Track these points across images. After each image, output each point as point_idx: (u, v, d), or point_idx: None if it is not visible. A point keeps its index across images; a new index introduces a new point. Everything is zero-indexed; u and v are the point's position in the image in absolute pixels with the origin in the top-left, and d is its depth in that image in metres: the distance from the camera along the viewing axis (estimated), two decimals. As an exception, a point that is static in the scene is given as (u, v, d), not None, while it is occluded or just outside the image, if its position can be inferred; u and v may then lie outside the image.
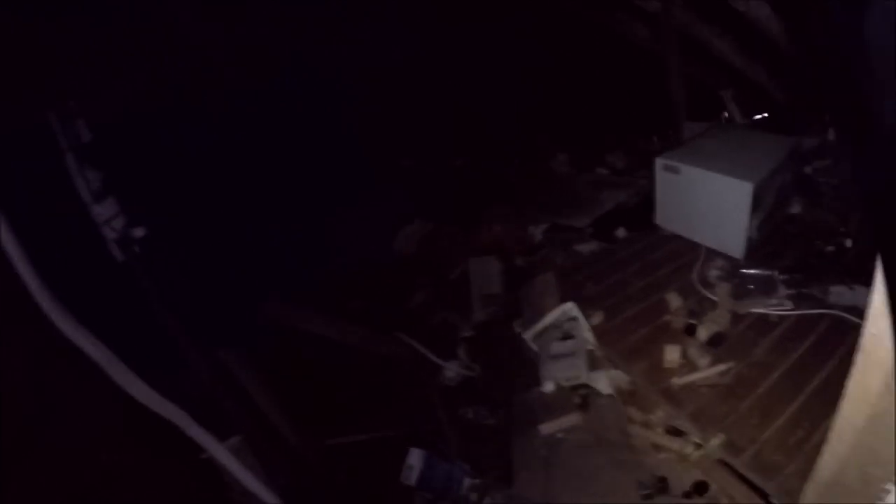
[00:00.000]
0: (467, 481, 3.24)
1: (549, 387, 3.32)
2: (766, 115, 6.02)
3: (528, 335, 3.75)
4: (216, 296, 3.50)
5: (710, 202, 4.25)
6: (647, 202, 5.13)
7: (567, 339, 3.52)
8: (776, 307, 3.72)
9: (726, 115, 6.09)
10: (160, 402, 2.36)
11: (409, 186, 6.42)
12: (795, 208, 4.91)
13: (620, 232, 5.04)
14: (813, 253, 4.29)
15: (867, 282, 3.56)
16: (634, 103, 6.73)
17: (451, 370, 4.09)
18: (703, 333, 3.54)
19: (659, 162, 4.49)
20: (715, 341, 3.51)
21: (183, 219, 3.37)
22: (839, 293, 3.71)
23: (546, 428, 3.13)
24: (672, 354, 3.39)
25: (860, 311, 3.05)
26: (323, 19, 5.33)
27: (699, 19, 5.42)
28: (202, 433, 2.54)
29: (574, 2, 6.13)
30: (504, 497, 2.90)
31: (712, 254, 4.39)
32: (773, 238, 4.47)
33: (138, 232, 2.68)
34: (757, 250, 4.30)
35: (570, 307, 3.68)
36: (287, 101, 5.21)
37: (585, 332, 3.62)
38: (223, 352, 3.19)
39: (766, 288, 3.93)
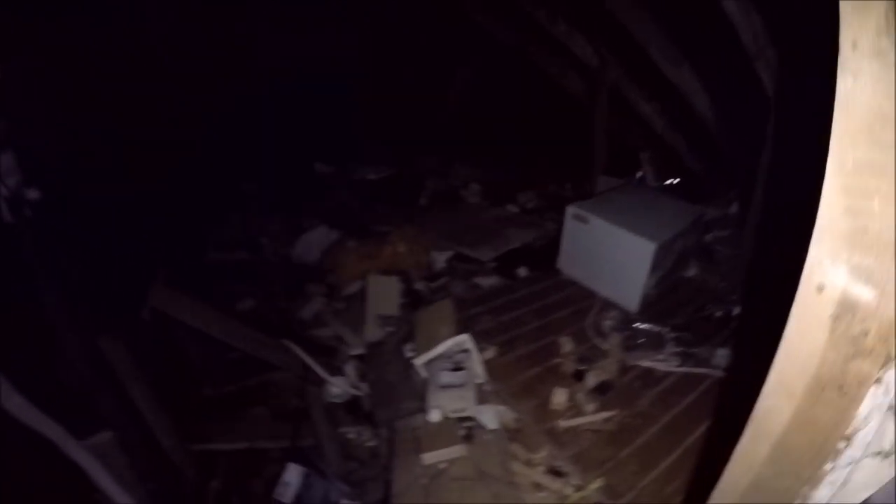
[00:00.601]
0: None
1: (435, 416, 3.23)
2: (678, 180, 6.21)
3: (419, 361, 3.67)
4: (102, 277, 3.30)
5: (612, 255, 4.37)
6: (551, 245, 5.19)
7: (458, 370, 3.45)
8: (663, 363, 3.87)
9: (640, 174, 6.26)
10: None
11: (320, 193, 6.35)
12: (692, 272, 5.09)
13: (522, 271, 5.09)
14: (703, 315, 4.45)
15: (749, 349, 3.68)
16: (555, 149, 6.87)
17: (337, 387, 3.97)
18: (591, 380, 3.61)
19: (570, 210, 4.55)
20: (602, 389, 3.58)
21: (78, 189, 3.19)
22: (724, 356, 3.89)
23: (429, 457, 3.05)
24: (560, 397, 3.41)
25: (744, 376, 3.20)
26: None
27: (632, 81, 5.63)
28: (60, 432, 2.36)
29: (518, 40, 6.17)
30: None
31: (608, 304, 4.49)
32: (667, 296, 4.61)
33: (32, 193, 2.49)
34: (651, 306, 4.43)
35: (464, 339, 3.63)
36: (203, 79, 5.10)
37: (477, 366, 3.57)
38: (103, 340, 2.98)
39: (655, 343, 4.05)
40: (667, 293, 4.65)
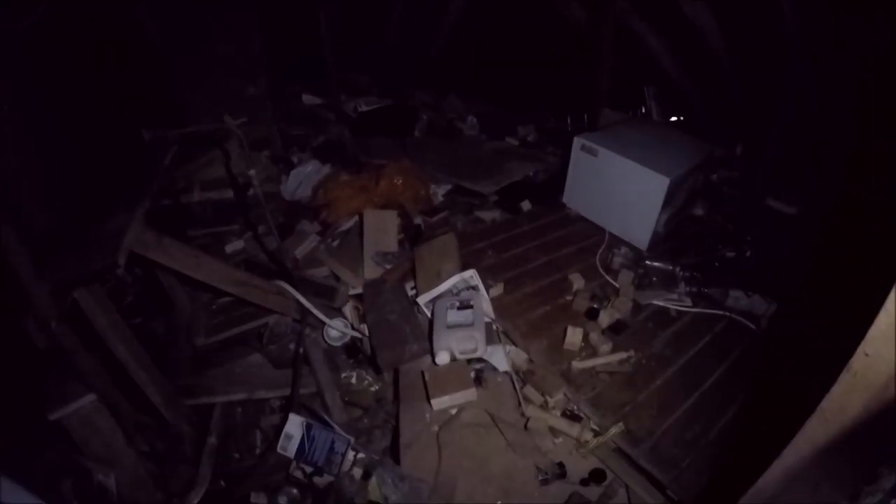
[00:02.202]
0: (351, 455, 2.95)
1: (443, 358, 3.03)
2: (681, 118, 6.07)
3: (423, 299, 3.48)
4: (70, 218, 3.06)
5: (623, 190, 4.21)
6: (554, 181, 5.11)
7: (465, 309, 3.25)
8: (676, 302, 3.75)
9: (644, 110, 6.07)
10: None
11: (314, 123, 6.14)
12: (699, 211, 4.96)
13: (525, 205, 4.84)
14: (714, 255, 4.31)
15: (763, 291, 3.51)
16: (556, 81, 6.62)
17: (336, 329, 3.77)
18: (604, 319, 3.45)
19: (578, 141, 4.34)
20: (616, 328, 3.45)
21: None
22: (736, 298, 3.76)
23: (438, 403, 2.88)
24: (574, 337, 3.25)
25: (755, 317, 3.60)
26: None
27: (640, 12, 5.38)
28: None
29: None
30: (392, 475, 2.62)
31: (617, 241, 4.35)
32: (676, 235, 4.47)
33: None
34: (660, 244, 4.30)
35: (470, 274, 3.43)
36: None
37: (485, 303, 3.40)
38: (79, 292, 2.74)
39: (667, 282, 3.92)
40: (675, 232, 4.50)
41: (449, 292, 3.45)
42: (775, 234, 4.58)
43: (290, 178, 5.22)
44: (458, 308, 3.27)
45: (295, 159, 5.54)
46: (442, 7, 7.06)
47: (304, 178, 5.21)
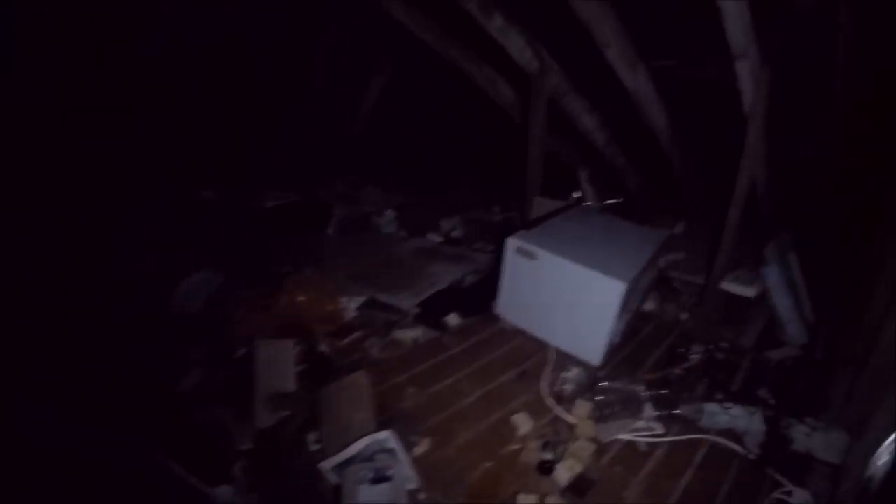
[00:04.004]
0: None
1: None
2: (619, 199, 5.91)
3: (327, 465, 2.72)
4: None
5: (569, 298, 3.67)
6: (485, 283, 4.59)
7: (381, 482, 2.52)
8: (645, 432, 3.15)
9: (578, 195, 5.83)
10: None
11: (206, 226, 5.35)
12: (649, 305, 4.56)
13: (453, 318, 4.20)
14: (675, 361, 3.82)
15: (743, 400, 3.25)
16: (483, 167, 6.21)
17: (223, 497, 2.94)
18: (562, 474, 2.79)
19: (511, 242, 3.79)
20: (579, 487, 2.76)
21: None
22: (713, 413, 3.23)
23: None
24: (527, 509, 2.53)
25: (737, 437, 3.12)
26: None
27: (573, 89, 5.05)
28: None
29: (442, 41, 5.31)
30: None
31: (564, 358, 3.77)
32: (629, 340, 4.05)
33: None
34: (614, 354, 3.84)
35: (385, 437, 2.71)
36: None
37: (406, 469, 2.66)
38: None
39: (630, 406, 3.30)
40: (629, 335, 4.07)
41: (360, 456, 2.69)
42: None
43: (179, 290, 4.43)
44: (372, 481, 2.54)
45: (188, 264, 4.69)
46: (359, 93, 6.67)
47: (195, 289, 4.44)
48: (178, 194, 5.74)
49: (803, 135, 4.29)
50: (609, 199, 5.85)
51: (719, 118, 4.36)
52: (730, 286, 4.62)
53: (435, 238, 5.75)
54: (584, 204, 5.66)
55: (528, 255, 3.69)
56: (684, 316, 4.57)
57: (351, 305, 4.34)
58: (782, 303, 4.25)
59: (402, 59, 6.39)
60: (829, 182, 4.46)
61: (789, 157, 4.55)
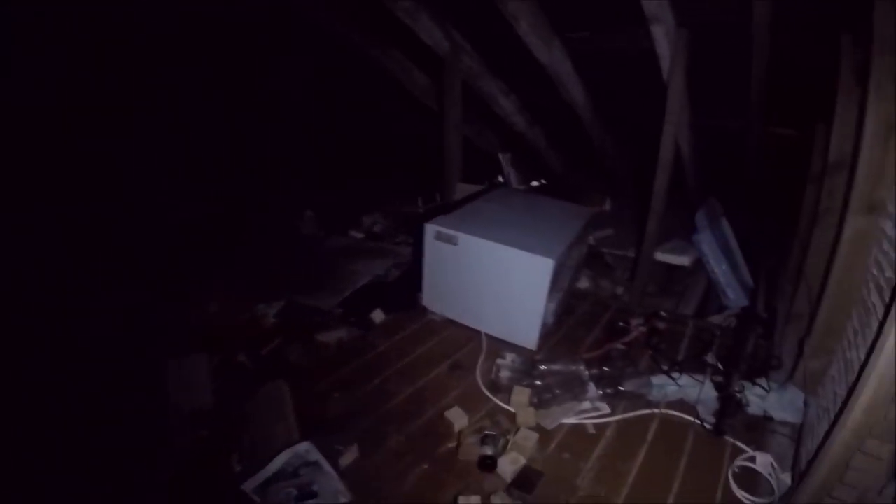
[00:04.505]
0: None
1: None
2: (543, 181, 5.87)
3: (250, 485, 2.43)
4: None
5: (496, 281, 3.49)
6: (409, 277, 4.34)
7: (306, 499, 2.28)
8: (591, 414, 2.98)
9: (501, 178, 5.74)
10: None
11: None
12: (583, 283, 4.46)
13: (377, 315, 3.94)
14: (615, 336, 3.66)
15: (691, 369, 3.21)
16: (402, 158, 5.98)
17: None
18: (506, 468, 2.56)
19: (430, 228, 3.58)
20: (525, 481, 2.52)
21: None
22: (661, 386, 3.13)
23: None
24: (469, 512, 2.31)
25: (690, 408, 3.02)
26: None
27: (489, 71, 4.91)
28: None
29: (347, 30, 5.07)
30: None
31: (498, 345, 3.59)
32: (565, 320, 3.88)
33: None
34: (550, 336, 3.67)
35: (306, 449, 2.44)
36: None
37: (332, 482, 2.40)
38: None
39: (572, 388, 3.10)
40: (564, 316, 3.93)
41: (284, 472, 2.42)
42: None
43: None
44: (297, 500, 2.32)
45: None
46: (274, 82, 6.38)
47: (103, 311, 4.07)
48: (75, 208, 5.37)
49: (727, 102, 4.24)
50: (534, 181, 5.76)
51: (641, 91, 4.24)
52: (664, 256, 4.57)
53: (356, 235, 5.54)
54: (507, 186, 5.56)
55: (449, 240, 3.49)
56: (620, 290, 4.48)
57: (269, 312, 4.07)
58: (719, 268, 4.19)
59: (312, 50, 6.14)
60: (753, 148, 4.40)
61: (714, 125, 4.50)
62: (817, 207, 3.25)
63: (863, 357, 1.79)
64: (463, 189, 4.97)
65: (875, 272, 2.21)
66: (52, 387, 3.23)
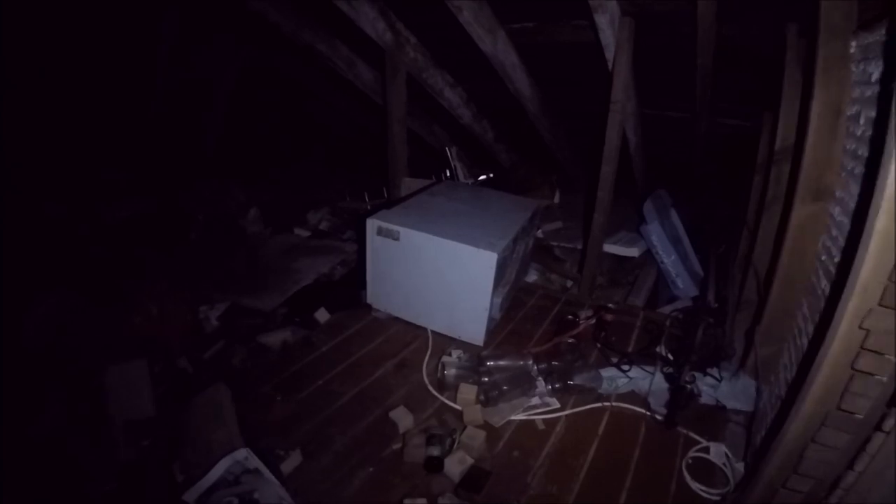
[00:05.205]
0: None
1: None
2: (491, 175, 5.78)
3: (191, 496, 2.33)
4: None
5: (440, 276, 3.44)
6: (355, 274, 4.34)
7: (248, 506, 2.16)
8: (540, 409, 2.95)
9: (448, 173, 5.68)
10: None
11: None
12: (532, 276, 4.46)
13: (321, 314, 3.86)
14: (564, 329, 3.63)
15: (641, 361, 3.26)
16: (347, 155, 5.89)
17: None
18: (453, 468, 2.50)
19: (371, 223, 3.50)
20: (474, 481, 2.47)
21: None
22: (611, 379, 3.13)
23: None
24: (415, 515, 2.25)
25: (641, 400, 3.04)
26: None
27: (433, 63, 4.82)
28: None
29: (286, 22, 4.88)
30: None
31: (444, 341, 3.55)
32: (512, 315, 3.89)
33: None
34: (498, 332, 3.65)
35: (242, 455, 2.35)
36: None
37: (276, 489, 2.31)
38: None
39: (521, 384, 3.04)
40: (512, 310, 3.91)
41: (224, 481, 2.31)
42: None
43: (28, 321, 3.90)
44: None
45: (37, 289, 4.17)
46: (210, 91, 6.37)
47: (45, 318, 3.87)
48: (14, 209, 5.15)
49: (674, 93, 4.24)
50: (482, 175, 5.71)
51: (589, 82, 4.23)
52: (612, 248, 4.57)
53: (302, 233, 5.44)
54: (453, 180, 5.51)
55: (391, 235, 3.42)
56: (570, 284, 4.45)
57: (212, 314, 3.96)
58: (668, 258, 4.20)
59: (254, 48, 6.01)
60: (701, 138, 4.41)
61: (662, 116, 4.49)
62: (765, 195, 3.26)
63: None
64: (410, 184, 4.89)
65: (824, 258, 2.21)
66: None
